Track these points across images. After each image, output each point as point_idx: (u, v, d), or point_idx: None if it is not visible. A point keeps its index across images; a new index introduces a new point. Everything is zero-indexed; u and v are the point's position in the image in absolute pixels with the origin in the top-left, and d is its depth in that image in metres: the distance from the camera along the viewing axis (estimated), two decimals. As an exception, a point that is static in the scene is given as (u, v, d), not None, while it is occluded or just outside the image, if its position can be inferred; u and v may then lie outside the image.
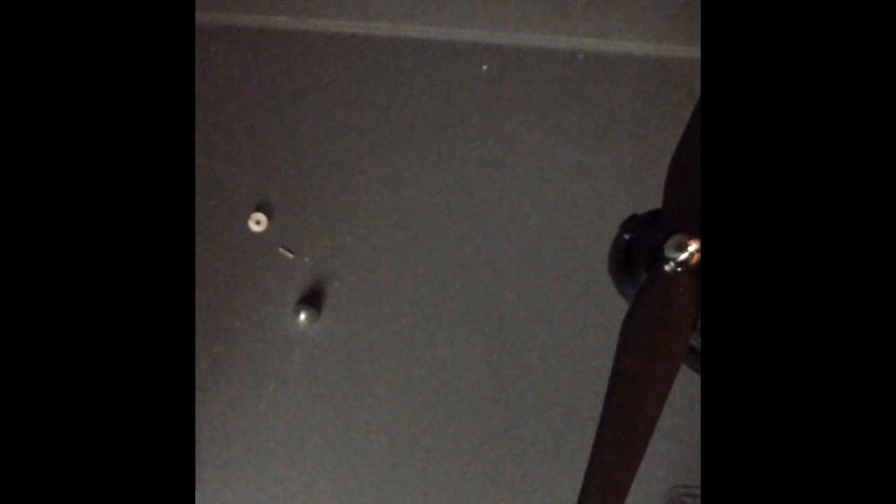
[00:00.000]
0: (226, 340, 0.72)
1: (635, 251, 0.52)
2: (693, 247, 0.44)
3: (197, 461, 0.71)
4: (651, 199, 0.50)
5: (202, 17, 0.79)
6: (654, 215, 0.52)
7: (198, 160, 0.74)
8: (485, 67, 0.78)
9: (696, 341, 0.45)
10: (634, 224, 0.54)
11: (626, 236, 0.53)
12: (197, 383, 0.73)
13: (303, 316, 0.71)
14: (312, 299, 0.73)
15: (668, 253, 0.44)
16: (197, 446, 0.71)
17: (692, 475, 0.69)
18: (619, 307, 0.48)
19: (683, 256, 0.44)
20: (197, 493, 0.71)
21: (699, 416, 0.20)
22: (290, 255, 0.73)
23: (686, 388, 0.45)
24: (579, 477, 0.44)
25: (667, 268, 0.44)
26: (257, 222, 0.73)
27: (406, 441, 0.72)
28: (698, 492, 0.69)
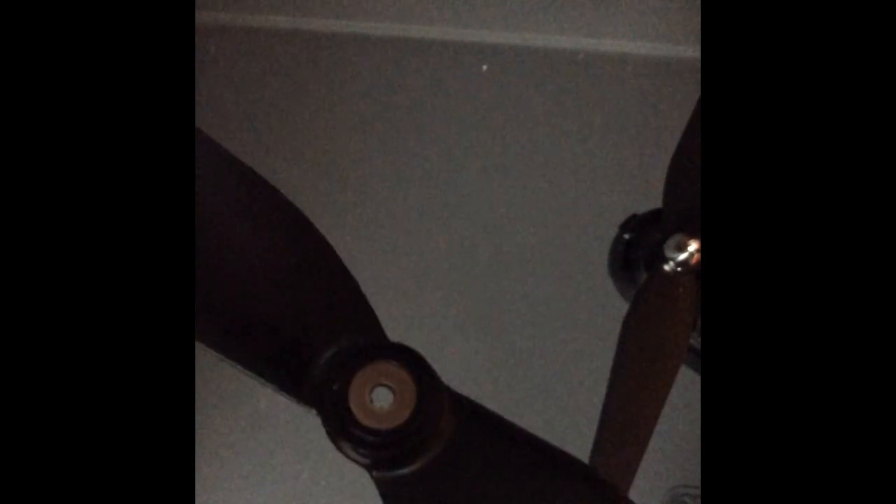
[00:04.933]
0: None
1: (635, 251, 0.52)
2: (693, 247, 0.44)
3: (197, 461, 0.71)
4: (651, 199, 0.50)
5: (202, 17, 0.78)
6: (654, 215, 0.52)
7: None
8: (485, 67, 0.78)
9: (696, 341, 0.45)
10: (634, 224, 0.54)
11: (626, 236, 0.53)
12: (196, 383, 0.73)
13: (303, 316, 0.71)
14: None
15: (668, 253, 0.44)
16: (196, 445, 0.71)
17: (692, 475, 0.68)
18: (619, 307, 0.48)
19: (683, 256, 0.44)
20: (197, 493, 0.71)
21: (699, 416, 0.21)
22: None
23: (686, 388, 0.45)
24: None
25: (667, 268, 0.44)
26: (257, 222, 0.73)
27: (406, 441, 0.71)
28: (698, 492, 0.69)
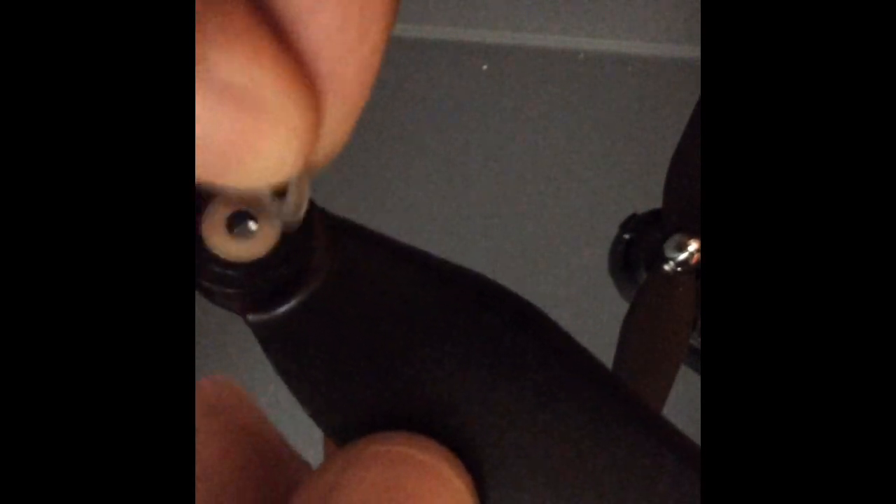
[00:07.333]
0: (225, 340, 0.72)
1: (635, 251, 0.52)
2: (693, 247, 0.44)
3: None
4: (651, 199, 0.50)
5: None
6: (654, 215, 0.52)
7: None
8: (485, 67, 0.78)
9: (696, 341, 0.46)
10: (634, 224, 0.54)
11: (626, 236, 0.54)
12: (196, 383, 0.73)
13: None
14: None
15: (668, 253, 0.44)
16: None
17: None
18: (619, 307, 0.48)
19: (683, 256, 0.44)
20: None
21: (699, 416, 0.21)
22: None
23: (686, 388, 0.45)
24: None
25: (667, 268, 0.44)
26: (257, 222, 0.73)
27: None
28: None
